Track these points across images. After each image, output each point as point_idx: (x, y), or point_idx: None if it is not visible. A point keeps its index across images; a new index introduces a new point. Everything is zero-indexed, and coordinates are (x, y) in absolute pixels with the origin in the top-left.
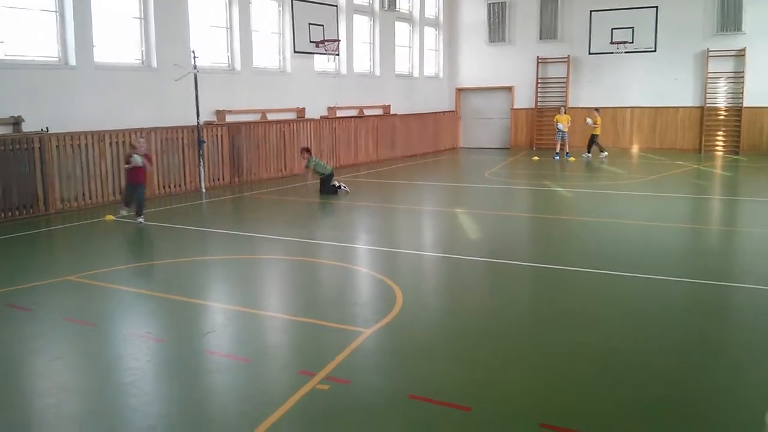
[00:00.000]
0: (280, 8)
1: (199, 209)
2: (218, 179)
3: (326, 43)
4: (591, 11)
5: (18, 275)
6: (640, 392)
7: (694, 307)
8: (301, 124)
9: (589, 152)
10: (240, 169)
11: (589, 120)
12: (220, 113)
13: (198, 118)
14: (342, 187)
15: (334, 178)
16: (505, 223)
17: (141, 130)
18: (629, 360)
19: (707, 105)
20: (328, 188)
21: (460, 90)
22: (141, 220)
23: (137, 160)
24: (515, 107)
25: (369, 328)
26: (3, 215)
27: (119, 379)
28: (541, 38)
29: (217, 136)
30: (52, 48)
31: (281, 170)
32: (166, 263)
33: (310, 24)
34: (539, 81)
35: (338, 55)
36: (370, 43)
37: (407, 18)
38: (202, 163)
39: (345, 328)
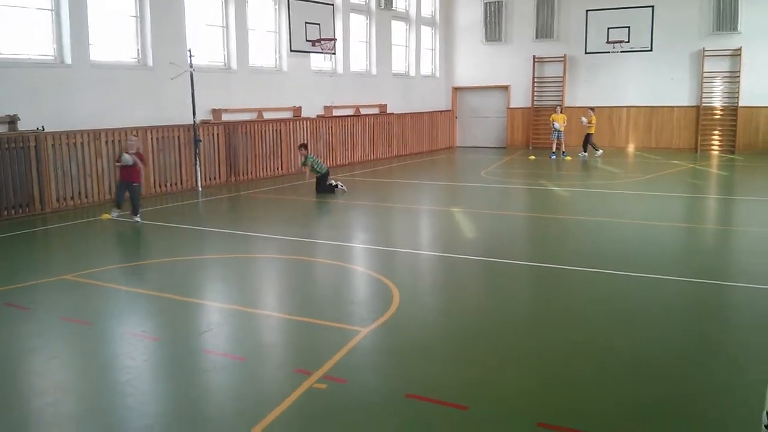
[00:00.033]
0: (277, 7)
1: (196, 208)
2: (214, 178)
3: (322, 42)
4: (587, 10)
5: (14, 274)
6: (637, 391)
7: (692, 306)
8: (298, 123)
9: (585, 152)
10: (236, 168)
11: (583, 119)
12: (216, 112)
13: (194, 117)
14: (339, 186)
15: (330, 177)
16: (502, 223)
17: (137, 128)
18: (626, 358)
19: (703, 104)
20: (324, 187)
21: (456, 89)
22: (137, 219)
23: (126, 158)
24: (511, 106)
25: (366, 327)
26: None
27: (116, 378)
28: (537, 37)
29: (213, 134)
30: (48, 46)
31: (277, 169)
32: (163, 262)
33: (306, 23)
34: (535, 80)
35: (334, 53)
36: (367, 42)
37: (403, 17)
38: (198, 162)
39: (342, 327)
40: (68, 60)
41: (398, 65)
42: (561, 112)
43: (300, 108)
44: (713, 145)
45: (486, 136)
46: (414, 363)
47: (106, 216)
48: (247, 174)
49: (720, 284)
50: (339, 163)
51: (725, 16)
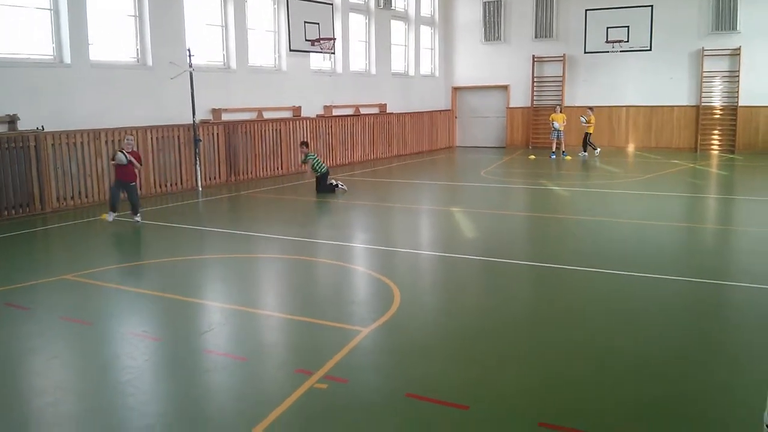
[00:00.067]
0: (276, 6)
1: (196, 208)
2: (214, 178)
3: (322, 42)
4: (586, 10)
5: (15, 274)
6: (638, 390)
7: (692, 305)
8: (297, 122)
9: (584, 151)
10: (236, 168)
11: (582, 118)
12: (215, 112)
13: (194, 117)
14: (339, 186)
15: (330, 176)
16: (502, 222)
17: (137, 128)
18: (627, 358)
19: (702, 104)
20: (324, 187)
21: (456, 89)
22: (137, 218)
23: (120, 157)
24: (511, 106)
25: (367, 326)
26: None
27: (116, 378)
28: (536, 37)
29: (213, 134)
30: (47, 46)
31: (277, 169)
32: (163, 262)
33: (305, 22)
34: (535, 80)
35: (334, 53)
36: (366, 41)
37: (403, 16)
38: (198, 162)
39: (342, 326)
40: (68, 60)
41: (398, 65)
42: (560, 112)
43: (300, 108)
44: (713, 144)
45: (486, 136)
46: (415, 363)
47: (103, 216)
48: (247, 174)
49: (720, 284)
50: (339, 163)
51: (724, 16)
